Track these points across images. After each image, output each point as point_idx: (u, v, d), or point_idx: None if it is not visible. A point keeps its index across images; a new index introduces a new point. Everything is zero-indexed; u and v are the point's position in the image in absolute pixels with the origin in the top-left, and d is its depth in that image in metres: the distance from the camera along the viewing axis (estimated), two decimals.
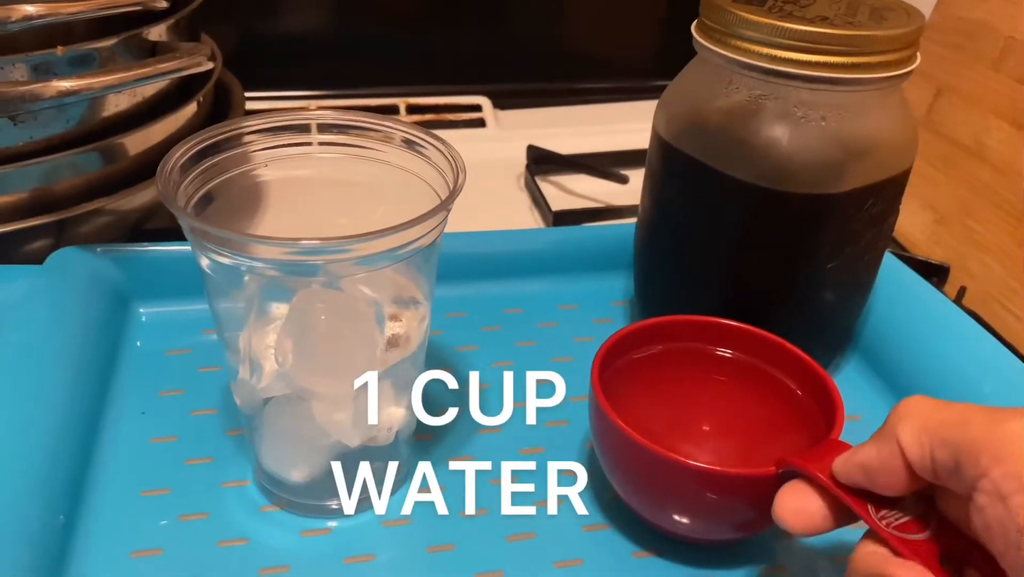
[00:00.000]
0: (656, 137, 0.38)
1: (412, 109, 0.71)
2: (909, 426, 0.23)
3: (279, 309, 0.30)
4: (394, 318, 0.31)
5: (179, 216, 0.27)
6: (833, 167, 0.34)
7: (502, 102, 0.72)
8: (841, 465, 0.25)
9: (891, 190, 0.36)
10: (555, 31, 0.76)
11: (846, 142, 0.35)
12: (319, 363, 0.30)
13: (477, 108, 0.71)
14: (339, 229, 0.33)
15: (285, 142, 0.32)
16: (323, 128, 0.32)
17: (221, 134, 0.31)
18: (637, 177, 0.62)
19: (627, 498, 0.33)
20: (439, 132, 0.32)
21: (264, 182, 0.33)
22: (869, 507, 0.25)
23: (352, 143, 0.32)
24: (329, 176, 0.32)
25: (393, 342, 0.31)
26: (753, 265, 0.37)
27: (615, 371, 0.34)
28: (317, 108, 0.68)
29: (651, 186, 0.40)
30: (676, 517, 0.31)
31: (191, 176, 0.29)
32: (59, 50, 0.39)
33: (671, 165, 0.38)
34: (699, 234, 0.38)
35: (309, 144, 0.32)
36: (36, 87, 0.37)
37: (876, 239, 0.38)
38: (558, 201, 0.59)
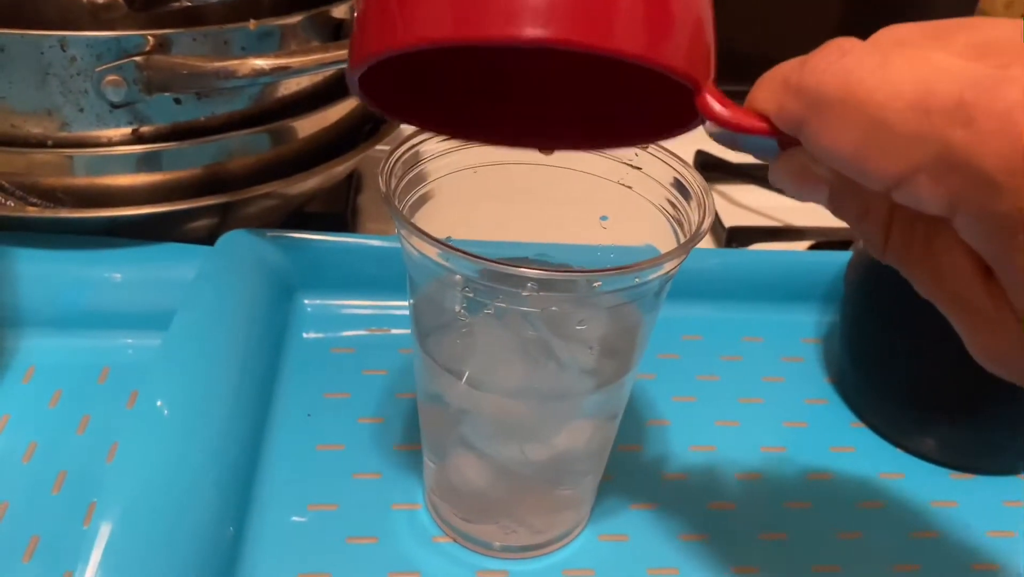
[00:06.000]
0: None
1: None
2: None
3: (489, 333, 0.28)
4: (602, 354, 0.28)
5: (397, 219, 0.24)
6: None
7: None
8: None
9: None
10: (734, 32, 0.71)
11: None
12: (519, 400, 0.28)
13: None
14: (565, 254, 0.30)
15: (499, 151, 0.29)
16: None
17: (432, 137, 0.28)
18: None
19: None
20: None
21: (472, 188, 0.30)
22: None
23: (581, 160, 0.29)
24: (544, 191, 0.29)
25: (599, 384, 0.28)
26: None
27: None
28: None
29: None
30: None
31: (407, 178, 0.27)
32: (251, 24, 0.37)
33: None
34: None
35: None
36: (231, 64, 0.35)
37: None
38: (728, 214, 0.55)
